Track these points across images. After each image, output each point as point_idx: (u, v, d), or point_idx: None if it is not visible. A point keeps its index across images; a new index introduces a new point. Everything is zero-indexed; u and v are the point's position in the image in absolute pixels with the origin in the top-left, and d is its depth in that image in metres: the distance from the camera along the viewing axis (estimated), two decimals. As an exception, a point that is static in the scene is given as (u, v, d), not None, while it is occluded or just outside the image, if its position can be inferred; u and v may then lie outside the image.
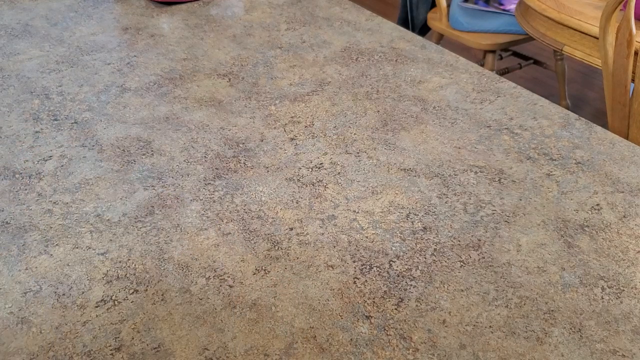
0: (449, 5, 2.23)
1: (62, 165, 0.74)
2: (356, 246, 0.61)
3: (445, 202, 0.67)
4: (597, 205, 0.66)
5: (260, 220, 0.64)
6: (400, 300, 0.55)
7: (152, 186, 0.70)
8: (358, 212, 0.65)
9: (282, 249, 0.61)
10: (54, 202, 0.68)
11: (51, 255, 0.61)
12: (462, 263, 0.59)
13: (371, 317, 0.53)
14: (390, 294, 0.55)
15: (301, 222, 0.64)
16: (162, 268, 0.59)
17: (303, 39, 1.06)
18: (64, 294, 0.56)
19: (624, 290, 0.56)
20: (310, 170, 0.72)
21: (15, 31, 1.10)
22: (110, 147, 0.77)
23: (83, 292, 0.56)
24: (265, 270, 0.58)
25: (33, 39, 1.06)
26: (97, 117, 0.83)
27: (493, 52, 2.17)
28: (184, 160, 0.74)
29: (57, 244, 0.62)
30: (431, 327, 0.52)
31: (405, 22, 2.47)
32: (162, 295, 0.56)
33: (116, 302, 0.55)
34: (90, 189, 0.70)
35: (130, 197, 0.68)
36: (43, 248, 0.61)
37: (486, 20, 2.17)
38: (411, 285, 0.56)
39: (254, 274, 0.58)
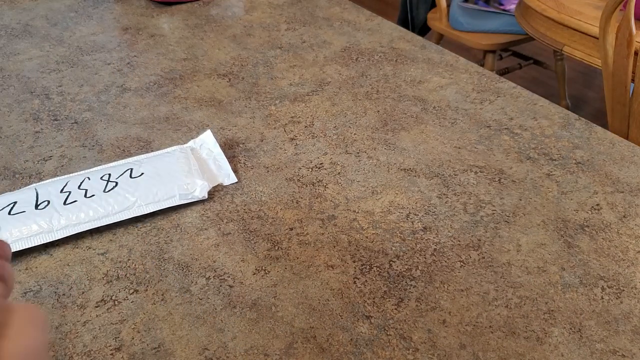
0: (449, 5, 2.23)
1: (62, 165, 0.74)
2: (356, 246, 0.61)
3: (445, 202, 0.67)
4: (597, 205, 0.66)
5: (260, 220, 0.64)
6: (400, 300, 0.55)
7: (152, 186, 0.70)
8: (358, 212, 0.65)
9: (282, 249, 0.61)
10: (54, 202, 0.68)
11: (51, 255, 0.61)
12: (462, 263, 0.59)
13: (371, 317, 0.53)
14: (390, 294, 0.55)
15: (301, 222, 0.64)
16: (162, 268, 0.59)
17: (303, 39, 1.06)
18: (64, 294, 0.56)
19: (624, 290, 0.56)
20: (310, 170, 0.72)
21: (15, 31, 1.10)
22: (110, 147, 0.77)
23: (83, 292, 0.56)
24: (265, 270, 0.58)
25: (33, 39, 1.06)
26: (97, 117, 0.83)
27: (493, 52, 2.17)
28: (184, 160, 0.74)
29: (57, 244, 0.62)
30: (431, 327, 0.52)
31: (405, 22, 2.47)
32: (162, 295, 0.56)
33: (116, 302, 0.55)
34: (90, 189, 0.70)
35: (130, 197, 0.68)
36: (43, 248, 0.61)
37: (486, 20, 2.17)
38: (411, 285, 0.56)
39: (254, 274, 0.58)
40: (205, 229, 0.63)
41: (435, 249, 0.60)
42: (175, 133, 0.80)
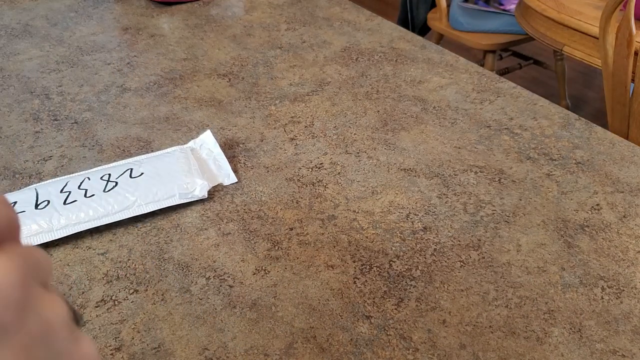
0: (449, 5, 2.23)
1: (62, 165, 0.74)
2: (356, 246, 0.61)
3: (445, 202, 0.67)
4: (597, 205, 0.66)
5: (260, 220, 0.64)
6: (400, 300, 0.55)
7: (152, 186, 0.70)
8: (358, 212, 0.65)
9: (282, 249, 0.61)
10: (54, 202, 0.68)
11: (51, 255, 0.61)
12: (462, 263, 0.59)
13: (371, 317, 0.53)
14: (390, 294, 0.55)
15: (301, 222, 0.64)
16: (162, 268, 0.59)
17: (303, 39, 1.06)
18: (64, 294, 0.56)
19: (624, 290, 0.56)
20: (310, 170, 0.72)
21: (15, 31, 1.10)
22: (110, 147, 0.77)
23: (83, 292, 0.56)
24: (265, 270, 0.58)
25: (33, 39, 1.06)
26: (97, 117, 0.83)
27: (493, 52, 2.17)
28: (184, 160, 0.74)
29: (57, 244, 0.62)
30: (431, 327, 0.52)
31: (405, 22, 2.47)
32: (162, 295, 0.56)
33: (116, 302, 0.55)
34: (90, 189, 0.70)
35: (130, 197, 0.68)
36: (43, 248, 0.61)
37: (486, 20, 2.17)
38: (411, 285, 0.56)
39: (254, 274, 0.58)
40: (205, 229, 0.63)
41: (435, 249, 0.60)
42: (175, 133, 0.80)
